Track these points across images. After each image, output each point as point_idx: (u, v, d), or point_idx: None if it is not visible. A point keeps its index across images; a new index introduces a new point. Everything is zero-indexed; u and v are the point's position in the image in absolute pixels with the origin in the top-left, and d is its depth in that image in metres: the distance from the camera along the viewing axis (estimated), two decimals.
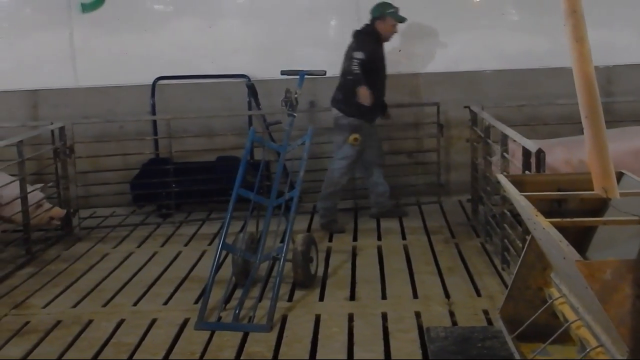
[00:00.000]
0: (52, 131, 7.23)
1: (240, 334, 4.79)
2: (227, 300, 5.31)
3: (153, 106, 8.19)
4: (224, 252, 5.60)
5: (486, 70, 8.22)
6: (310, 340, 4.69)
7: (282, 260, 5.26)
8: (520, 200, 3.84)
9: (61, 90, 8.29)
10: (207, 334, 4.82)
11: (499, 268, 5.82)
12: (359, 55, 6.89)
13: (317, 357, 4.46)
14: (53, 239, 7.16)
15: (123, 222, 7.77)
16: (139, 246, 6.98)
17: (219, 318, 5.02)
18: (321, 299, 5.45)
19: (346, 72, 7.04)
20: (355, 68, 6.85)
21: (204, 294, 5.16)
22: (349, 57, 7.04)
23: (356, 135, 6.90)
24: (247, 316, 5.05)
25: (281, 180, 5.99)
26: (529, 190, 4.13)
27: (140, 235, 7.32)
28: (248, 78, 8.08)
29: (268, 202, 5.70)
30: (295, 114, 5.87)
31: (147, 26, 8.31)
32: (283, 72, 6.50)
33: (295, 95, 5.86)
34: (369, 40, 7.08)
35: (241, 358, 4.48)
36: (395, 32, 7.27)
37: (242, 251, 5.49)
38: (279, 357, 4.49)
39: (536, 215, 3.53)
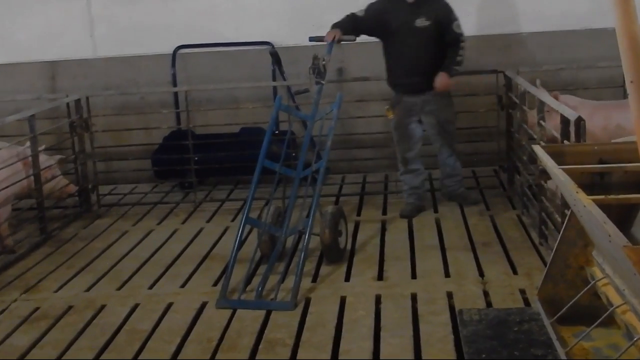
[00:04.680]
0: (68, 104, 6.96)
1: (260, 319, 4.51)
2: (251, 277, 5.06)
3: (174, 76, 7.89)
4: (247, 228, 5.41)
5: (522, 33, 7.76)
6: (334, 325, 4.39)
7: (307, 233, 5.01)
8: (558, 174, 3.50)
9: (80, 61, 8.02)
10: (225, 318, 4.56)
11: (537, 242, 5.47)
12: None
13: (342, 344, 4.17)
14: (71, 217, 6.93)
15: (144, 198, 7.51)
16: (159, 223, 6.72)
17: (240, 296, 4.82)
18: (347, 278, 5.15)
19: None
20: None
21: (226, 271, 4.91)
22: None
23: (386, 107, 6.24)
24: (271, 294, 4.83)
25: (309, 151, 5.69)
26: (568, 161, 3.80)
27: (162, 211, 7.06)
28: (272, 45, 7.75)
29: (295, 173, 5.41)
30: (323, 82, 5.60)
31: None
32: (311, 39, 6.18)
33: (323, 62, 5.59)
34: None
35: (260, 346, 4.20)
36: None
37: (267, 225, 5.23)
38: (301, 344, 4.20)
39: (577, 192, 3.19)
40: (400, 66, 6.23)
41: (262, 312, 4.59)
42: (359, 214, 6.61)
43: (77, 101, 6.96)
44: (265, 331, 4.37)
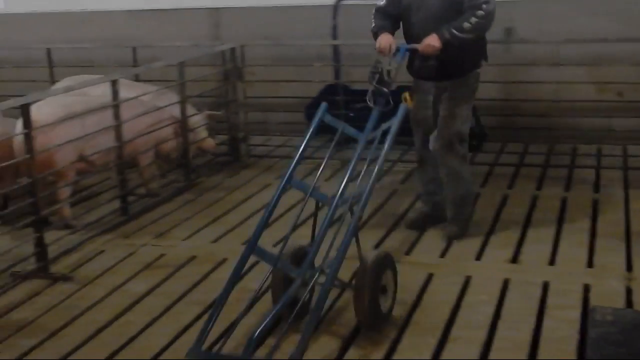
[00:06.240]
0: (224, 52, 6.93)
1: None
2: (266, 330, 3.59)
3: (334, 29, 7.67)
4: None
5: None
6: (450, 308, 4.08)
7: (329, 276, 3.62)
8: None
9: (243, 9, 7.98)
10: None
11: None
12: None
13: (453, 329, 3.86)
14: (219, 165, 6.97)
15: (294, 152, 7.35)
16: (303, 178, 6.57)
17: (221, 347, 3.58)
18: (478, 257, 4.79)
19: None
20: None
21: (212, 311, 3.60)
22: None
23: (407, 92, 4.67)
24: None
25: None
26: None
27: (308, 166, 6.91)
28: None
29: (328, 199, 4.01)
30: (386, 90, 4.48)
31: None
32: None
33: (389, 68, 4.55)
34: None
35: None
36: None
37: (279, 260, 3.84)
38: (411, 323, 3.93)
39: None
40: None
41: None
42: (510, 187, 6.17)
43: (233, 50, 6.91)
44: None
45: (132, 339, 3.92)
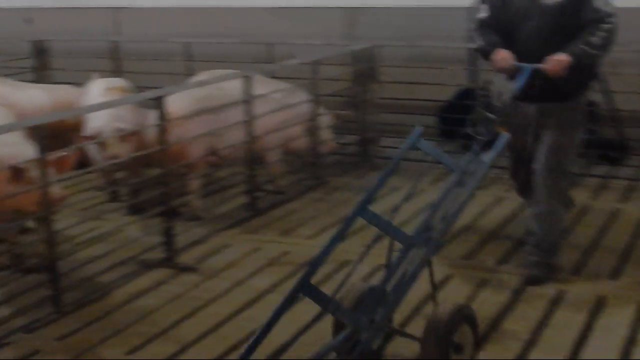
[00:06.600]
0: (356, 52, 6.87)
1: (500, 306, 4.10)
2: None
3: (471, 31, 7.47)
4: None
5: None
6: (581, 329, 3.87)
7: (373, 328, 3.25)
8: None
9: (379, 9, 7.88)
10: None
11: None
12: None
13: (583, 351, 3.67)
14: (349, 165, 6.94)
15: (424, 156, 7.22)
16: (433, 183, 6.44)
17: None
18: (614, 276, 4.53)
19: None
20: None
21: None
22: None
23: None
24: None
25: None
26: None
27: (438, 173, 6.77)
28: None
29: (406, 238, 3.53)
30: (495, 118, 4.04)
31: None
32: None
33: (504, 90, 4.18)
34: None
35: (492, 334, 3.82)
36: None
37: (333, 303, 3.43)
38: (539, 339, 3.77)
39: None
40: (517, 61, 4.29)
41: (504, 298, 4.19)
42: None
43: (366, 50, 6.85)
44: (503, 320, 3.97)
45: (251, 334, 3.91)
